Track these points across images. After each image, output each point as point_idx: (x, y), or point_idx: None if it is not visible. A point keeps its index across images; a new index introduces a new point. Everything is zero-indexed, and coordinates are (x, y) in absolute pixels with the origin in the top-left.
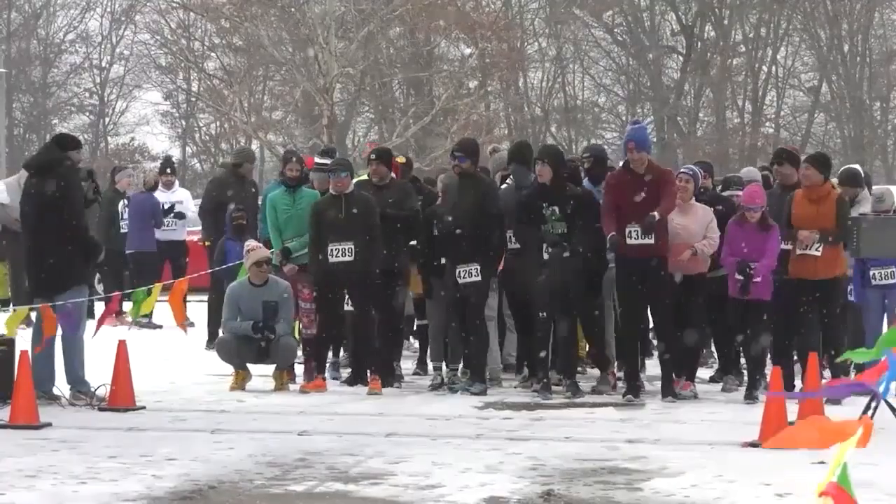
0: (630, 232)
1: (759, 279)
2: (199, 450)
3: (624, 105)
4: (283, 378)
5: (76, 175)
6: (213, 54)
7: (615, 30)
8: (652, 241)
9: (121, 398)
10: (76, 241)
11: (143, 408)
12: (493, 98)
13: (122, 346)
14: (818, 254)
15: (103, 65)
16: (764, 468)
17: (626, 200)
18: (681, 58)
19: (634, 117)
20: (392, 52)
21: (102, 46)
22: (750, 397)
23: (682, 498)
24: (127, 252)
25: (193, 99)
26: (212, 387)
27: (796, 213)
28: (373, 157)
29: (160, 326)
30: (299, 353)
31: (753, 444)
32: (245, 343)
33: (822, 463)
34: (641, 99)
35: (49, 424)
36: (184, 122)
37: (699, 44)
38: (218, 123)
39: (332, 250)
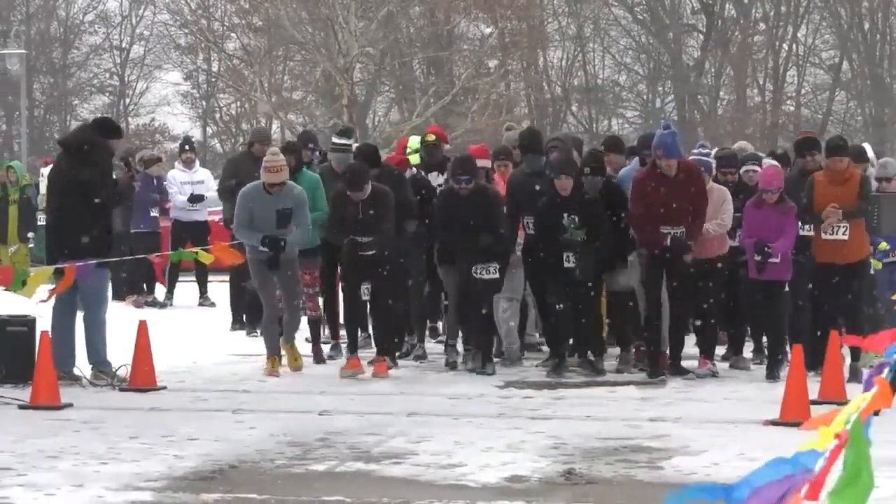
0: (664, 233)
1: (777, 259)
2: (220, 430)
3: (644, 83)
4: (295, 356)
5: (111, 164)
6: (232, 34)
7: (635, 8)
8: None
9: (142, 378)
10: (100, 229)
11: (165, 388)
12: (513, 77)
13: (142, 326)
14: (845, 238)
15: (123, 45)
16: (786, 446)
17: (657, 200)
18: (701, 36)
19: (656, 98)
20: (412, 31)
21: (122, 27)
22: (772, 376)
23: (704, 476)
24: (132, 231)
25: (213, 79)
26: (233, 367)
27: (819, 196)
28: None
29: (165, 305)
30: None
31: (775, 423)
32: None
33: None
34: (662, 77)
35: (70, 405)
36: (204, 103)
37: (720, 22)
38: (238, 104)
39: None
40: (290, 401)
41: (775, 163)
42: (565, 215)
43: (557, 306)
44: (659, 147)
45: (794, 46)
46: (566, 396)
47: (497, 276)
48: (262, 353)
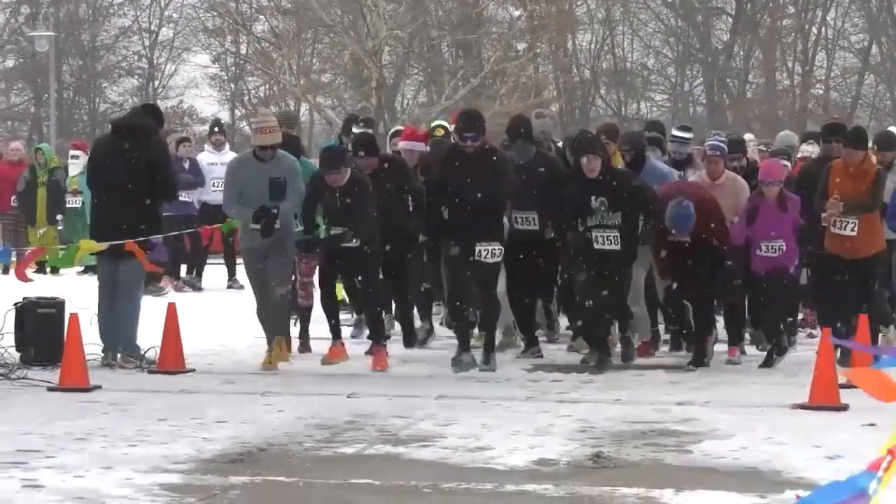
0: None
1: (777, 254)
2: (248, 412)
3: (673, 67)
4: (281, 349)
5: (167, 147)
6: (261, 17)
7: None
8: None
9: (171, 361)
10: (154, 211)
11: (193, 370)
12: (541, 60)
13: (171, 308)
14: (853, 234)
15: (152, 28)
16: (814, 430)
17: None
18: (730, 19)
19: (685, 81)
20: (441, 14)
21: (151, 9)
22: (766, 363)
23: (732, 460)
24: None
25: (242, 62)
26: (262, 349)
27: (832, 185)
28: (361, 153)
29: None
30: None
31: (804, 406)
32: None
33: (873, 425)
34: (691, 61)
35: (99, 387)
36: (232, 86)
37: (749, 5)
38: (267, 86)
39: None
40: (318, 383)
41: (794, 145)
42: (593, 198)
43: (587, 303)
44: (673, 226)
45: (823, 30)
46: (594, 380)
47: (500, 259)
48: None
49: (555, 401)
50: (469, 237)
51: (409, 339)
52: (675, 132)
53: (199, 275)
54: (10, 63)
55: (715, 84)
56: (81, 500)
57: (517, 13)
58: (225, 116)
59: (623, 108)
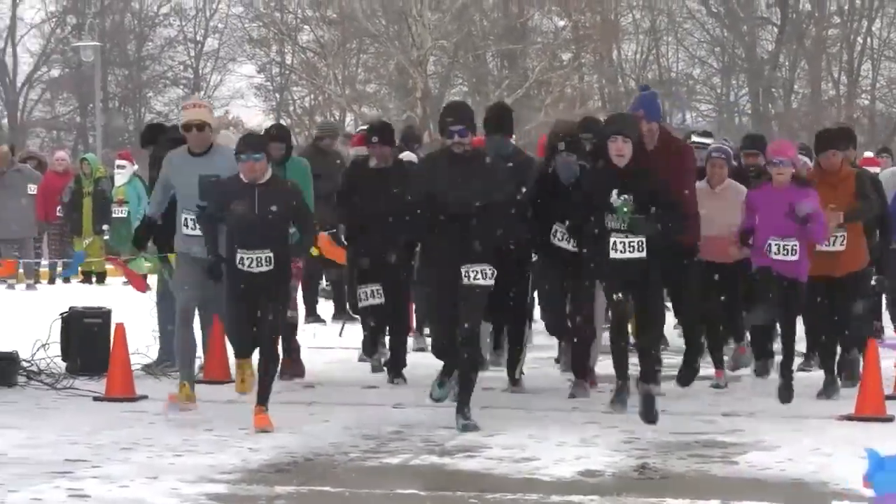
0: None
1: (795, 258)
2: (294, 422)
3: (718, 77)
4: (245, 373)
5: None
6: (306, 27)
7: (710, 1)
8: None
9: (216, 371)
10: None
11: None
12: (586, 70)
13: (216, 319)
14: (842, 248)
15: (197, 38)
16: (860, 441)
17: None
18: (775, 29)
19: (730, 91)
20: (486, 24)
21: (196, 20)
22: (762, 371)
23: (779, 471)
24: None
25: (287, 72)
26: (307, 359)
27: None
28: (374, 139)
29: None
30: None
31: (850, 418)
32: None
33: None
34: (736, 71)
35: (145, 397)
36: (278, 96)
37: (794, 15)
38: (312, 96)
39: (241, 259)
40: (363, 393)
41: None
42: (614, 192)
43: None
44: (637, 109)
45: (868, 40)
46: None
47: (490, 282)
48: (337, 345)
49: (600, 412)
50: (458, 258)
51: (398, 369)
52: (696, 138)
53: None
54: (56, 73)
55: (760, 94)
56: None
57: (562, 23)
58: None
59: (668, 118)
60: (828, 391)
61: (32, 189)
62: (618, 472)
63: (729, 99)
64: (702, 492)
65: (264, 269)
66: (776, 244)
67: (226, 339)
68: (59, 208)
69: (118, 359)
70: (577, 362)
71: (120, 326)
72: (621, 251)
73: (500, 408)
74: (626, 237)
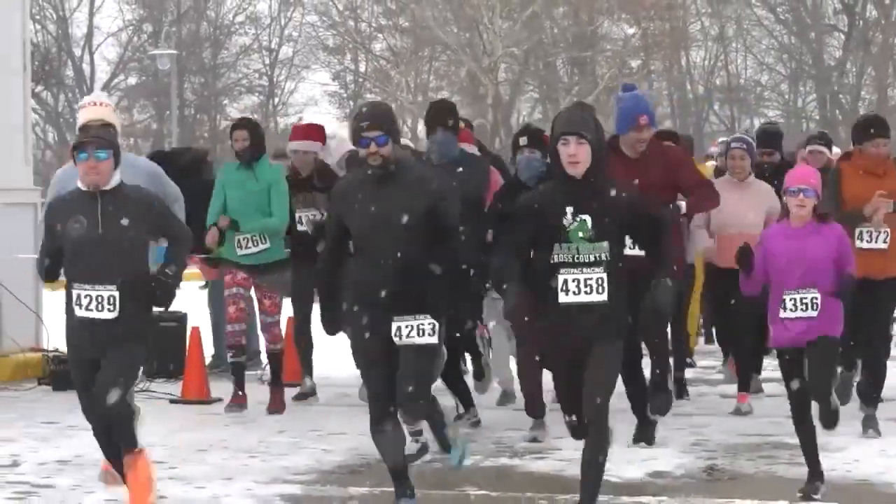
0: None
1: (814, 313)
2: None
3: (786, 83)
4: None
5: None
6: (379, 35)
7: (778, 9)
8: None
9: (288, 373)
10: None
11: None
12: (655, 77)
13: (288, 321)
14: (885, 247)
15: (272, 46)
16: None
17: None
18: (843, 36)
19: (798, 97)
20: (556, 31)
21: (271, 28)
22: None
23: (845, 473)
24: None
25: (361, 79)
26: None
27: (850, 189)
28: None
29: None
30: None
31: None
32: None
33: None
34: (803, 77)
35: (220, 399)
36: (351, 103)
37: (860, 22)
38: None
39: (79, 296)
40: (436, 395)
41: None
42: (569, 210)
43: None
44: (643, 113)
45: None
46: (708, 393)
47: (436, 340)
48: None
49: (670, 414)
50: (386, 308)
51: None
52: (726, 138)
53: None
54: (133, 81)
55: (827, 100)
56: None
57: (631, 31)
58: (344, 134)
59: (737, 124)
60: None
61: None
62: (686, 473)
63: (796, 105)
64: (769, 493)
65: (106, 315)
66: (791, 298)
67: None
68: None
69: (194, 362)
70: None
71: (195, 330)
72: (574, 292)
73: None
74: (582, 272)
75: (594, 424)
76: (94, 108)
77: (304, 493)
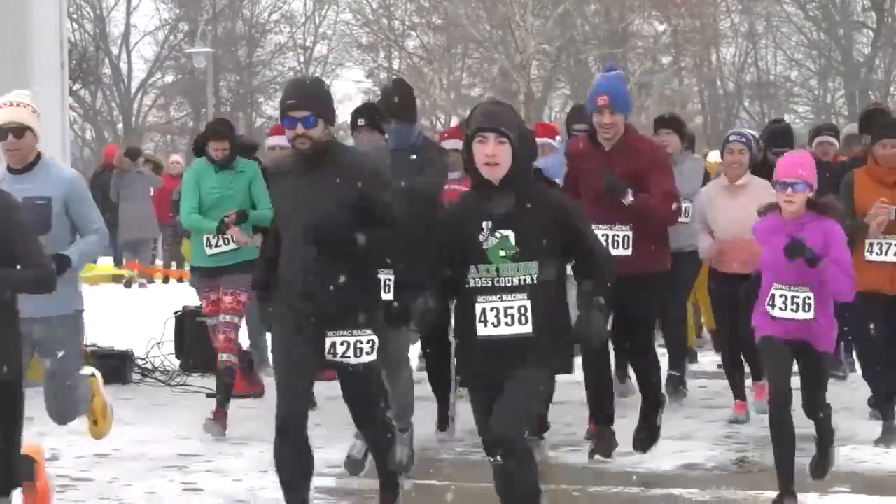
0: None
1: (808, 315)
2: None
3: (815, 79)
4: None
5: None
6: (413, 33)
7: (807, 5)
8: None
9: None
10: None
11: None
12: (686, 73)
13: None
14: (895, 259)
15: (307, 44)
16: None
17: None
18: (871, 32)
19: (827, 94)
20: (587, 29)
21: (306, 26)
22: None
23: (874, 465)
24: None
25: (394, 76)
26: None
27: (861, 199)
28: (360, 122)
29: None
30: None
31: None
32: None
33: None
34: (832, 73)
35: (257, 394)
36: None
37: (889, 18)
38: (418, 101)
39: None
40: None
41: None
42: (485, 225)
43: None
44: (601, 92)
45: None
46: None
47: (371, 359)
48: None
49: (700, 406)
50: (316, 321)
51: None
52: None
53: None
54: (169, 79)
55: (857, 96)
56: (240, 502)
57: (662, 28)
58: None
59: (766, 120)
60: (885, 438)
61: (153, 192)
62: (718, 466)
63: (826, 101)
64: (799, 484)
65: None
66: (781, 294)
67: None
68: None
69: None
70: None
71: None
72: (493, 323)
73: None
74: (501, 299)
75: (510, 458)
76: (11, 108)
77: (338, 486)
